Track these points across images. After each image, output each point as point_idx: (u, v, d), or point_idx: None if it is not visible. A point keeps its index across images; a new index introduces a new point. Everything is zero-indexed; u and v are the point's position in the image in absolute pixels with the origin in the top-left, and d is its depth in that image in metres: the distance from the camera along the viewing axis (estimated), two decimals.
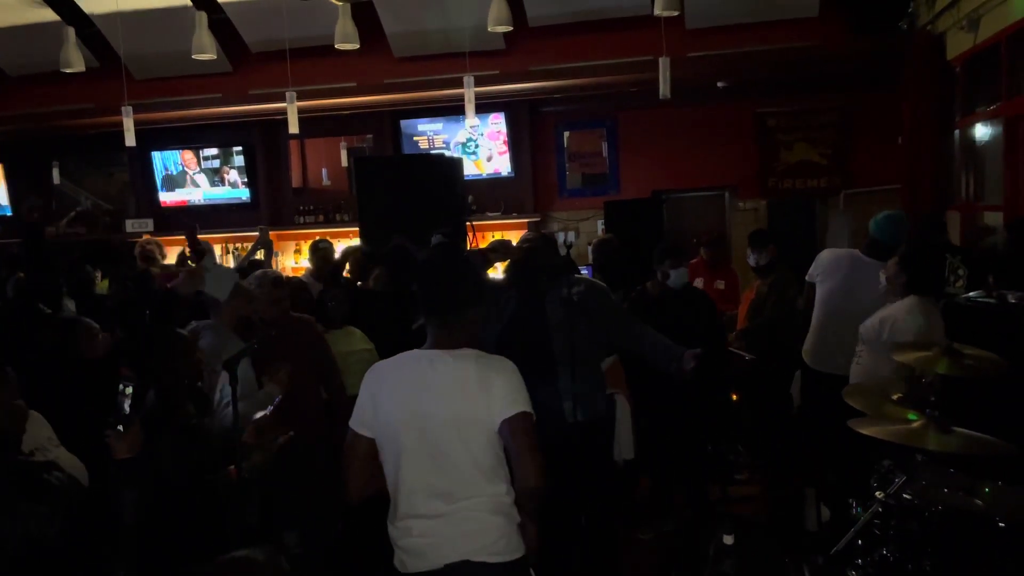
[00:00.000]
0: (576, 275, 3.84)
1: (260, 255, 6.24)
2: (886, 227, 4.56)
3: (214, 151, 9.46)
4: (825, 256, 4.79)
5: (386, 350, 3.03)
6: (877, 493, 2.69)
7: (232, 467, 2.71)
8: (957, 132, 6.86)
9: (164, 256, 6.40)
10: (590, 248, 6.03)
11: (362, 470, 2.38)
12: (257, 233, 6.32)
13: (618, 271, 5.40)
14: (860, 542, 2.68)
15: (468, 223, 5.91)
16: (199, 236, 6.18)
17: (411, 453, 2.30)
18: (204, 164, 9.50)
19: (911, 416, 2.83)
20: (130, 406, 2.22)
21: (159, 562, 2.31)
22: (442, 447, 2.29)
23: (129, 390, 2.22)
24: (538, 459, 2.31)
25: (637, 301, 4.73)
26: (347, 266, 5.64)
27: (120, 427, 2.22)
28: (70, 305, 4.41)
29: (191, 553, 2.40)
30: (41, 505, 1.92)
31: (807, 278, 4.86)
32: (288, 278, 4.56)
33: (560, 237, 8.35)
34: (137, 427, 2.24)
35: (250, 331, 3.80)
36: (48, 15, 7.72)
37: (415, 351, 2.42)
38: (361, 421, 2.38)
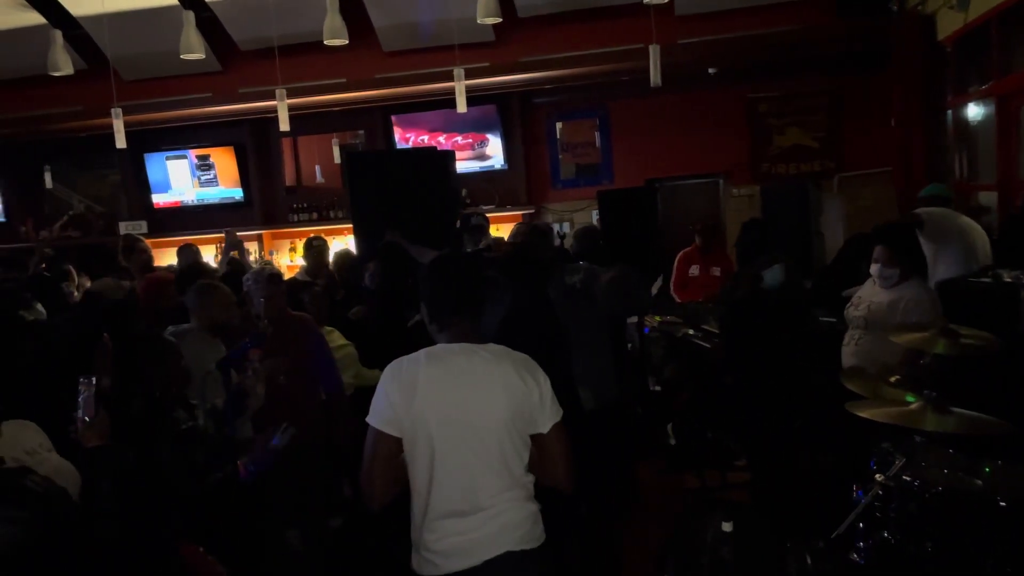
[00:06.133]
0: (571, 264, 3.83)
1: (235, 255, 6.25)
2: (943, 188, 5.40)
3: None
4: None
5: (383, 346, 3.02)
6: (877, 476, 2.68)
7: (230, 467, 2.70)
8: (949, 112, 6.86)
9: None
10: (572, 237, 6.02)
11: (387, 472, 2.27)
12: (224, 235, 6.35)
13: (600, 260, 5.38)
14: (861, 525, 2.68)
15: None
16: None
17: (449, 450, 2.24)
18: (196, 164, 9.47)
19: (909, 398, 2.83)
20: (94, 396, 2.23)
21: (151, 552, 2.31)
22: (485, 443, 2.26)
23: (90, 381, 2.24)
24: (572, 461, 2.35)
25: (727, 301, 4.57)
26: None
27: (86, 418, 2.22)
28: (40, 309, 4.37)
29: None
30: (21, 510, 1.91)
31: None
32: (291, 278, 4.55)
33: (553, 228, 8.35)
34: (104, 415, 2.23)
35: (227, 335, 3.76)
36: (34, 18, 7.68)
37: (443, 345, 2.36)
38: (385, 418, 2.26)
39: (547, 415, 2.32)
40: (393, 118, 9.00)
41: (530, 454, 2.34)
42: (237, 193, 9.43)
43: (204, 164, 9.43)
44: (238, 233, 7.36)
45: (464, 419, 2.25)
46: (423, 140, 8.99)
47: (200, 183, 9.49)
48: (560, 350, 3.54)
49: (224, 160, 9.39)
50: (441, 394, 2.26)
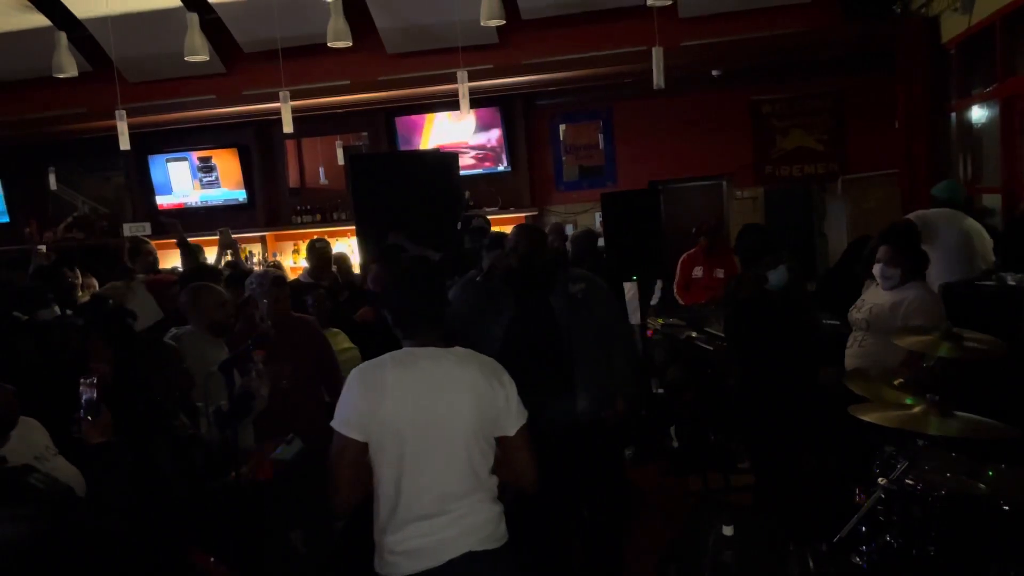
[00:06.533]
0: (573, 270, 3.83)
1: (229, 256, 6.25)
2: (953, 188, 5.44)
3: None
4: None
5: (387, 348, 3.01)
6: (880, 479, 2.68)
7: (232, 473, 2.70)
8: (953, 115, 6.85)
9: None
10: (569, 242, 6.06)
11: (353, 477, 2.28)
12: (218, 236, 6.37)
13: (597, 263, 5.39)
14: (863, 528, 2.67)
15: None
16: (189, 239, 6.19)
17: (418, 454, 2.26)
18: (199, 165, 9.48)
19: (909, 400, 2.82)
20: (95, 396, 2.25)
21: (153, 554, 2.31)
22: (452, 445, 2.28)
23: (91, 380, 2.26)
24: (536, 462, 2.38)
25: (731, 303, 4.57)
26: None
27: (89, 417, 2.24)
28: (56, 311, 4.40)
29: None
30: (25, 508, 1.92)
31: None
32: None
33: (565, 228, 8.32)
34: (106, 413, 2.24)
35: (229, 338, 3.77)
36: (39, 20, 7.69)
37: (410, 349, 2.38)
38: (352, 423, 2.28)
39: (513, 418, 2.36)
40: (396, 120, 9.01)
41: (495, 456, 2.37)
42: (240, 195, 9.44)
43: (206, 166, 9.43)
44: (240, 234, 7.39)
45: (432, 422, 2.27)
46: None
47: (202, 185, 9.50)
48: (562, 359, 3.54)
49: (226, 162, 9.39)
50: (409, 398, 2.27)
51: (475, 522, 2.30)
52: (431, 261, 2.54)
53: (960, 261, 4.88)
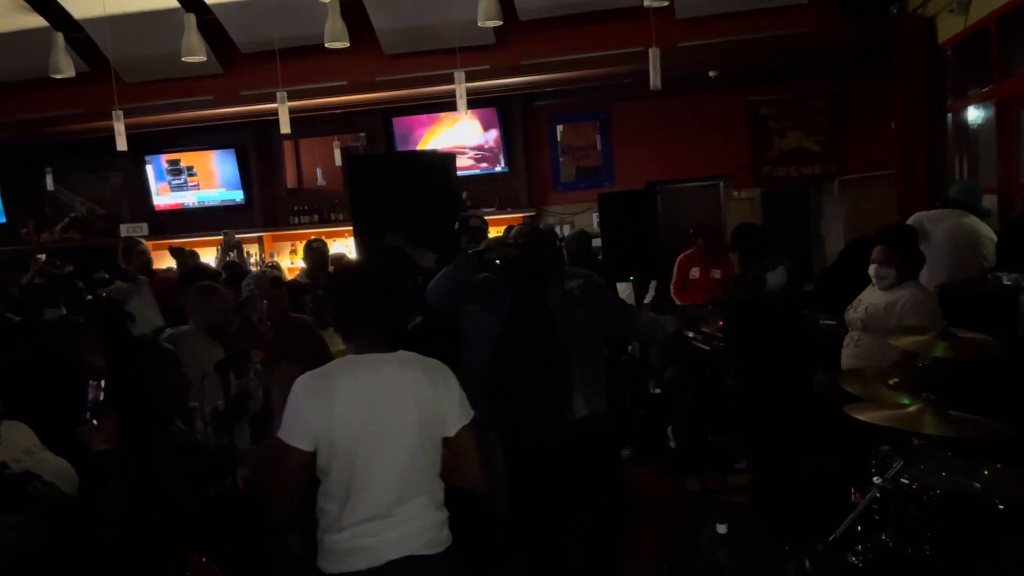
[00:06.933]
0: (570, 267, 3.82)
1: (232, 256, 6.26)
2: (968, 188, 5.40)
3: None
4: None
5: None
6: (875, 478, 2.69)
7: (231, 478, 2.71)
8: (950, 116, 6.86)
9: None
10: (562, 243, 6.07)
11: (296, 486, 2.29)
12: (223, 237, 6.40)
13: (591, 265, 5.38)
14: (859, 527, 2.68)
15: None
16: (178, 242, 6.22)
17: (365, 460, 2.28)
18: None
19: (905, 400, 2.83)
20: (103, 399, 2.24)
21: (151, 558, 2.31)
22: (399, 451, 2.31)
23: (99, 383, 2.25)
24: (483, 462, 2.45)
25: (730, 304, 4.57)
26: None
27: (94, 421, 2.23)
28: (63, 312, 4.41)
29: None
30: (24, 517, 1.92)
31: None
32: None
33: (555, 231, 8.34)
34: (111, 418, 2.24)
35: (225, 339, 3.77)
36: (36, 20, 7.69)
37: (353, 356, 2.40)
38: (299, 433, 2.27)
39: (456, 419, 2.39)
40: (394, 120, 9.01)
41: (443, 458, 2.41)
42: (238, 195, 9.44)
43: (174, 168, 9.42)
44: (237, 235, 7.39)
45: (379, 428, 2.30)
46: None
47: (171, 188, 9.49)
48: (558, 357, 3.53)
49: (204, 163, 9.41)
50: (355, 405, 2.29)
51: (419, 526, 2.34)
52: (378, 264, 2.55)
53: (950, 259, 4.87)
